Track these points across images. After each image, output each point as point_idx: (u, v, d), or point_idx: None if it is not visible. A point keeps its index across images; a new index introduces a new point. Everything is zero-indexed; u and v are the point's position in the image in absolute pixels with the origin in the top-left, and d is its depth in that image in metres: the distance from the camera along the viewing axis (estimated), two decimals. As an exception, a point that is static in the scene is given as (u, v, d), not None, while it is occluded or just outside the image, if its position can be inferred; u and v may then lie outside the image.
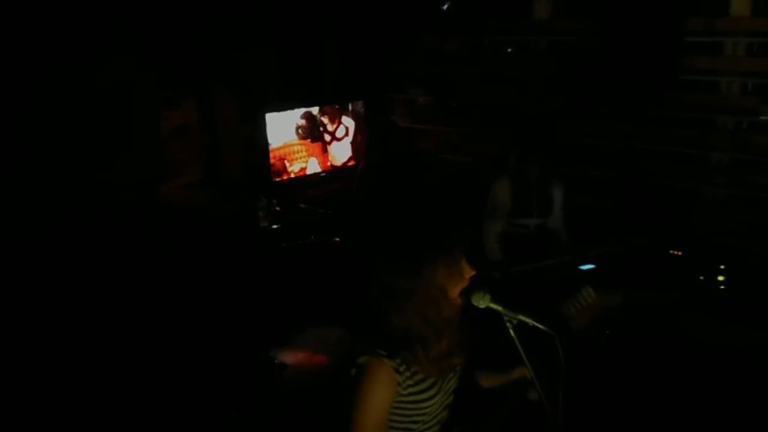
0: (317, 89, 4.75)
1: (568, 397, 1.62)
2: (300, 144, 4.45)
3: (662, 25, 3.46)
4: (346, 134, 4.70)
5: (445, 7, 4.93)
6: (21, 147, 3.56)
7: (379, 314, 1.55)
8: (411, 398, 1.57)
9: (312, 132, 4.48)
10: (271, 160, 4.25)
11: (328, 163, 4.64)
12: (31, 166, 3.57)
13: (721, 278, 3.09)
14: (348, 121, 4.68)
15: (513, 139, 3.56)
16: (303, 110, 4.42)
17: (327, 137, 4.60)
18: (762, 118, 3.69)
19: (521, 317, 1.59)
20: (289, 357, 2.80)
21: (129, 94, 3.91)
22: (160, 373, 2.99)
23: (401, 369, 1.53)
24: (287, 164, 4.39)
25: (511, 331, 1.60)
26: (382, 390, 1.52)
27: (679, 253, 3.20)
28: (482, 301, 1.60)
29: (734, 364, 2.83)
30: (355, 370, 1.55)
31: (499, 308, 1.60)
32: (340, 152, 4.70)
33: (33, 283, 3.41)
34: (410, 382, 1.55)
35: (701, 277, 3.14)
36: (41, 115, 3.60)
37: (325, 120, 4.55)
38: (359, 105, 4.70)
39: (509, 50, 4.70)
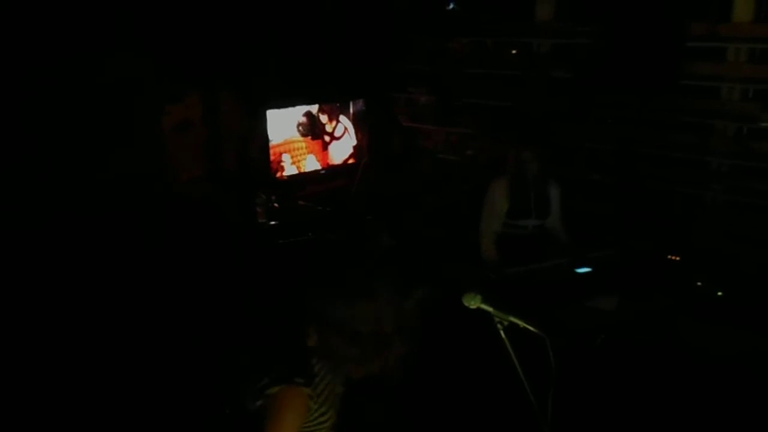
0: (319, 86, 4.74)
1: (561, 401, 1.62)
2: (300, 141, 4.44)
3: (664, 29, 3.45)
4: (345, 133, 4.70)
5: (451, 6, 4.93)
6: (22, 141, 3.56)
7: (299, 341, 1.50)
8: (315, 422, 1.53)
9: (312, 129, 4.48)
10: (271, 157, 4.25)
11: (328, 161, 4.64)
12: (32, 160, 3.57)
13: (719, 293, 3.08)
14: (346, 120, 4.68)
15: (511, 139, 3.56)
16: (304, 108, 4.42)
17: (326, 136, 4.60)
18: (762, 124, 3.68)
19: (512, 319, 1.59)
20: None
21: (130, 88, 3.91)
22: (155, 369, 2.99)
23: (314, 396, 1.49)
24: (287, 161, 4.39)
25: (502, 333, 1.60)
26: (298, 419, 1.46)
27: (677, 259, 3.19)
28: (473, 302, 1.61)
29: (732, 370, 2.83)
30: (262, 402, 1.47)
31: (490, 309, 1.60)
32: (339, 151, 4.70)
33: (33, 276, 3.42)
34: (319, 408, 1.52)
35: (699, 284, 3.14)
36: (42, 110, 3.60)
37: (323, 119, 4.55)
38: (360, 103, 4.70)
39: (513, 52, 4.70)
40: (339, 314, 1.43)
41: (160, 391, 2.89)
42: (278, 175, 4.33)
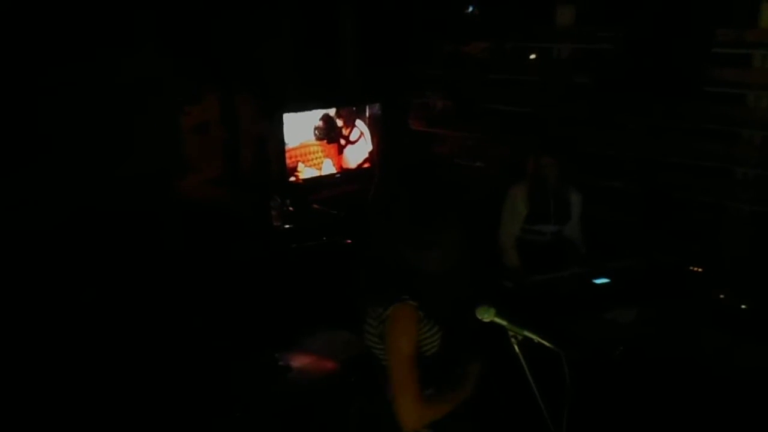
0: (335, 90, 4.73)
1: (577, 416, 1.57)
2: (316, 145, 4.43)
3: (689, 34, 3.37)
4: (361, 137, 4.67)
5: (470, 10, 4.88)
6: (41, 139, 3.60)
7: (395, 267, 1.74)
8: (427, 334, 1.76)
9: (328, 133, 4.47)
10: (287, 160, 4.24)
11: (343, 165, 4.62)
12: (50, 159, 3.61)
13: (743, 306, 2.99)
14: (362, 125, 4.65)
15: (531, 143, 3.50)
16: (320, 111, 4.40)
17: (342, 140, 4.58)
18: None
19: (526, 333, 1.55)
20: (295, 359, 2.79)
21: (149, 89, 3.94)
22: (165, 370, 2.99)
23: (420, 310, 1.72)
24: (303, 164, 4.38)
25: (516, 347, 1.56)
26: (414, 329, 1.70)
27: (700, 270, 3.10)
28: (487, 315, 1.57)
29: (756, 385, 2.74)
30: (381, 323, 1.71)
31: (504, 323, 1.56)
32: (354, 155, 4.68)
33: (49, 273, 3.44)
34: (428, 321, 1.75)
35: (722, 296, 3.05)
36: (62, 109, 3.64)
37: (339, 122, 4.53)
38: (376, 107, 4.67)
39: (532, 56, 4.64)
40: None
41: (172, 394, 2.88)
42: (294, 178, 4.32)
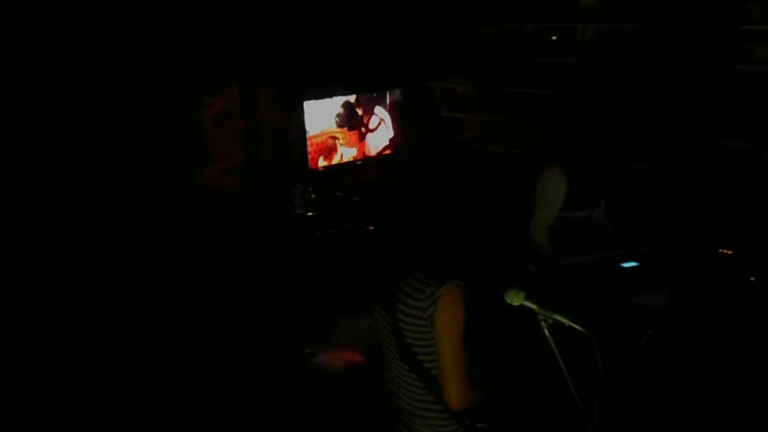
0: (355, 77, 4.71)
1: (604, 399, 1.56)
2: (337, 132, 4.42)
3: (717, 11, 3.27)
4: (381, 124, 4.65)
5: None
6: (64, 133, 3.65)
7: (441, 249, 1.74)
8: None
9: (349, 120, 4.45)
10: (309, 148, 4.24)
11: (364, 152, 4.60)
12: (73, 152, 3.66)
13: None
14: (381, 111, 4.63)
15: (572, 125, 3.37)
16: (341, 98, 4.39)
17: (363, 126, 4.57)
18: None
19: (557, 317, 1.53)
20: (319, 346, 2.80)
21: (170, 80, 3.96)
22: (193, 358, 3.03)
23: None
24: (324, 152, 4.38)
25: (546, 331, 1.54)
26: (464, 310, 1.70)
27: (730, 253, 3.04)
28: (516, 299, 1.55)
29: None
30: (432, 303, 1.69)
31: (534, 306, 1.54)
32: (375, 142, 4.66)
33: (78, 265, 3.50)
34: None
35: (752, 278, 2.99)
36: (84, 102, 3.68)
37: (359, 110, 4.51)
38: (397, 93, 4.64)
39: (554, 38, 4.55)
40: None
41: (200, 382, 2.92)
42: (315, 165, 4.32)
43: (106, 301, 3.39)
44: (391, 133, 4.67)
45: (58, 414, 2.79)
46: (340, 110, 4.39)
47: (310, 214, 3.97)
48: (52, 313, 3.29)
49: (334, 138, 4.42)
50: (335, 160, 4.43)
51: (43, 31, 3.47)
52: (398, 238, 1.81)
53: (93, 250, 3.59)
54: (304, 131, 4.20)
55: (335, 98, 4.36)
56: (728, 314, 2.79)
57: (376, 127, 4.63)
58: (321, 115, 4.29)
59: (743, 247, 3.10)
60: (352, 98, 4.44)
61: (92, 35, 3.60)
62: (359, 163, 4.55)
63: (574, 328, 1.52)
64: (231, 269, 3.64)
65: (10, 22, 3.37)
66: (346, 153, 4.50)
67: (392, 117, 4.65)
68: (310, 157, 4.26)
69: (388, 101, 4.63)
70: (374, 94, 4.56)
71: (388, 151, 4.66)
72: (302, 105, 4.16)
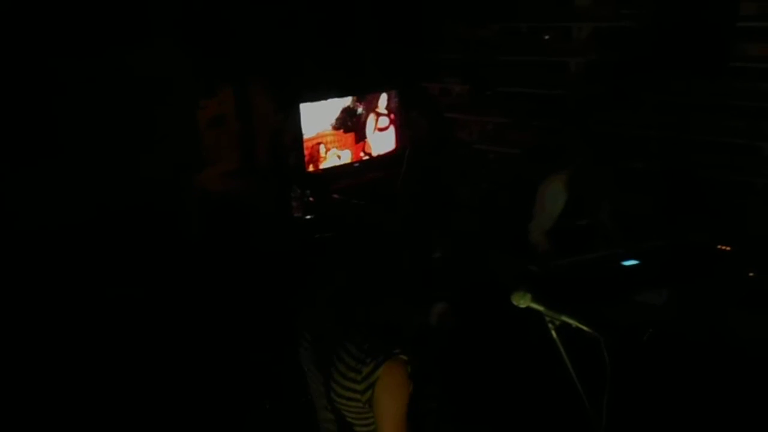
0: (351, 78, 4.70)
1: (610, 398, 1.55)
2: (334, 134, 4.41)
3: (712, 9, 3.29)
4: (378, 125, 4.65)
5: None
6: (60, 135, 3.63)
7: (388, 321, 1.55)
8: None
9: (346, 122, 4.44)
10: (305, 150, 4.23)
11: (362, 154, 4.59)
12: (68, 155, 3.64)
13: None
14: (381, 112, 4.62)
15: (582, 137, 3.35)
16: (337, 100, 4.38)
17: (360, 128, 4.56)
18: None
19: (564, 318, 1.52)
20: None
21: (165, 83, 3.94)
22: (193, 363, 3.01)
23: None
24: (321, 154, 4.37)
25: (553, 333, 1.53)
26: (407, 388, 1.50)
27: (728, 249, 3.05)
28: (522, 301, 1.54)
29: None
30: (369, 387, 1.48)
31: (541, 308, 1.53)
32: (374, 143, 4.65)
33: (74, 269, 3.48)
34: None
35: (751, 274, 3.00)
36: (80, 104, 3.66)
37: (358, 111, 4.50)
38: (393, 94, 4.64)
39: (546, 37, 4.56)
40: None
41: (201, 387, 2.91)
42: (313, 168, 4.31)
43: (102, 304, 3.37)
44: (389, 134, 4.67)
45: (57, 417, 2.77)
46: (337, 112, 4.38)
47: (308, 216, 3.95)
48: (49, 316, 3.27)
49: (331, 140, 4.42)
50: (332, 163, 4.42)
51: (37, 34, 3.45)
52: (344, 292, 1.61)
53: (89, 253, 3.57)
54: (300, 133, 4.18)
55: (331, 100, 4.35)
56: (727, 309, 2.80)
57: (375, 128, 4.63)
58: (317, 117, 4.28)
59: (741, 243, 3.11)
60: (348, 100, 4.44)
61: (88, 38, 3.58)
62: (356, 165, 4.54)
63: (581, 329, 1.51)
64: (228, 272, 3.63)
65: (8, 23, 3.35)
66: (343, 155, 4.49)
67: (390, 118, 4.65)
68: (306, 159, 4.25)
69: (386, 101, 4.62)
70: (371, 95, 4.55)
71: (388, 152, 4.66)
72: (298, 107, 4.14)
